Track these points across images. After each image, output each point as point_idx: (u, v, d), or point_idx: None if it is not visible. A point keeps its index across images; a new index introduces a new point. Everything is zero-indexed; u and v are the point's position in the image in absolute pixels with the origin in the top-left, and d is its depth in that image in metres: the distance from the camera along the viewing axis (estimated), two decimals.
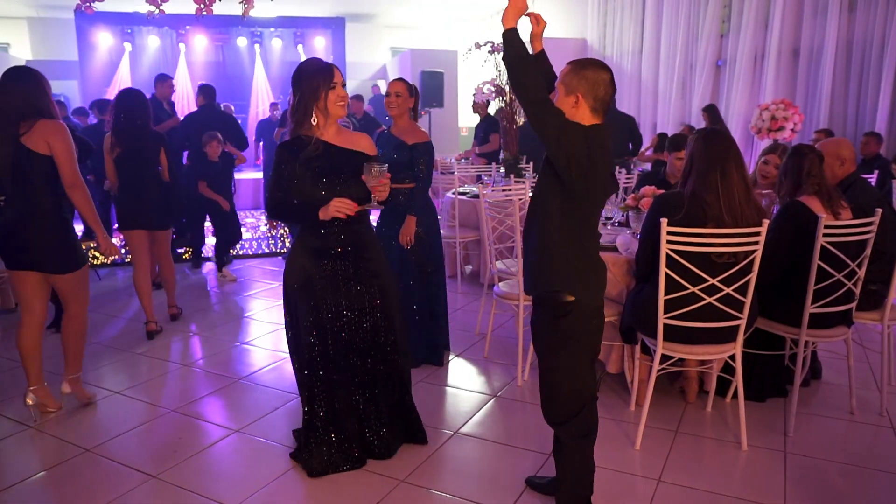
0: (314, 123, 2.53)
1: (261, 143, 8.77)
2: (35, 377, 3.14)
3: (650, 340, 2.83)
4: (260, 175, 9.51)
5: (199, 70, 12.31)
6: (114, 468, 2.71)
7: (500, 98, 5.75)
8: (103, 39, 11.68)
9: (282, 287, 2.70)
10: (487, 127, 7.44)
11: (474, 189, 5.72)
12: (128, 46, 11.83)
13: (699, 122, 8.61)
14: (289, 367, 3.86)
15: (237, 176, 8.53)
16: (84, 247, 3.47)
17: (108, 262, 6.36)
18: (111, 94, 9.93)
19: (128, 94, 4.37)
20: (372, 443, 2.72)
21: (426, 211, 3.70)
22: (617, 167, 5.77)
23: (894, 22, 6.86)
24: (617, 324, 3.13)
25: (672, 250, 2.58)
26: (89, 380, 3.63)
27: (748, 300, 2.66)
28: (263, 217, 9.30)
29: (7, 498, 2.52)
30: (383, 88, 12.00)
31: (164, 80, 6.32)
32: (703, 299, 2.62)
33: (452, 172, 5.93)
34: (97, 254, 6.22)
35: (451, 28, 13.59)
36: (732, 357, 2.79)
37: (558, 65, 2.22)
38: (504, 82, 5.55)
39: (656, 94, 9.71)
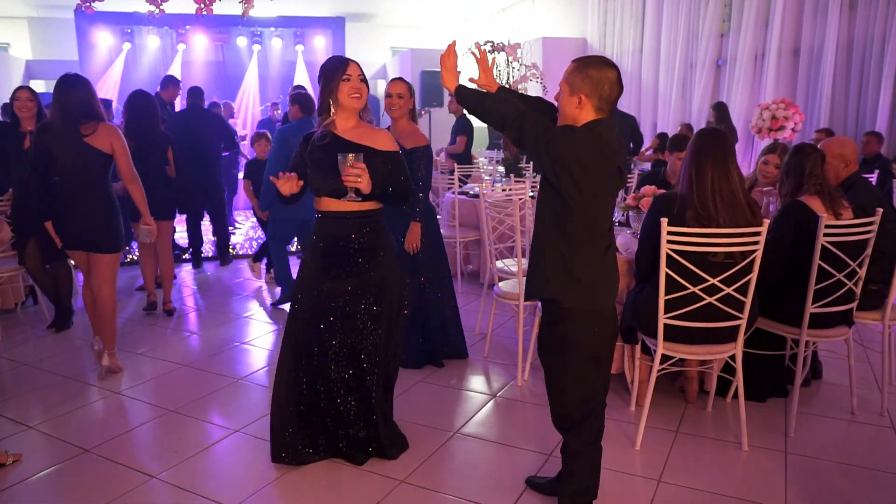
0: (332, 115, 2.59)
1: None
2: (104, 342, 3.70)
3: (650, 340, 2.82)
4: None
5: (200, 70, 12.29)
6: (114, 468, 2.71)
7: None
8: (103, 39, 11.67)
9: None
10: (458, 128, 7.25)
11: (475, 188, 5.72)
12: (126, 46, 11.82)
13: (699, 122, 8.61)
14: None
15: (238, 176, 8.61)
16: (133, 228, 4.05)
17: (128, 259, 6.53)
18: (101, 93, 9.94)
19: (137, 97, 4.77)
20: (340, 448, 2.71)
21: (427, 216, 3.63)
22: None
23: (895, 21, 6.85)
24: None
25: (672, 250, 2.58)
26: (89, 380, 3.64)
27: (749, 300, 2.65)
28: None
29: (7, 498, 2.51)
30: (381, 88, 11.99)
31: (170, 84, 6.63)
32: (704, 299, 2.61)
33: (453, 172, 5.92)
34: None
35: (451, 28, 13.57)
36: (733, 357, 2.78)
37: (559, 64, 2.21)
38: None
39: (656, 94, 9.70)
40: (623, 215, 3.83)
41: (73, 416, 3.18)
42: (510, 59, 6.91)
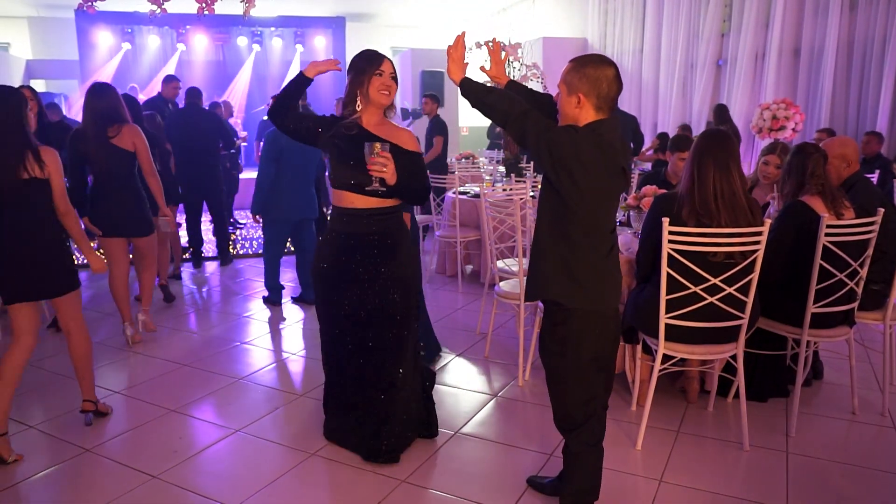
0: (358, 108, 2.58)
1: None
2: (127, 315, 4.18)
3: (651, 340, 2.82)
4: None
5: (200, 69, 12.30)
6: (114, 468, 2.71)
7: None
8: (103, 39, 11.67)
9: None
10: (433, 129, 7.10)
11: (475, 188, 5.71)
12: (126, 46, 11.82)
13: (700, 122, 8.61)
14: (289, 367, 3.88)
15: (238, 176, 8.60)
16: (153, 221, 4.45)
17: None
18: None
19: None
20: (359, 445, 2.76)
21: (412, 229, 3.48)
22: None
23: (895, 21, 6.85)
24: None
25: (673, 250, 2.57)
26: None
27: (750, 300, 2.65)
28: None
29: (7, 498, 2.51)
30: None
31: (170, 81, 6.73)
32: (705, 299, 2.61)
33: (453, 172, 5.92)
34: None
35: (451, 28, 13.57)
36: (734, 357, 2.78)
37: (559, 64, 2.20)
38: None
39: (657, 94, 9.70)
40: (624, 215, 3.83)
41: (73, 416, 3.17)
42: (511, 59, 6.91)
